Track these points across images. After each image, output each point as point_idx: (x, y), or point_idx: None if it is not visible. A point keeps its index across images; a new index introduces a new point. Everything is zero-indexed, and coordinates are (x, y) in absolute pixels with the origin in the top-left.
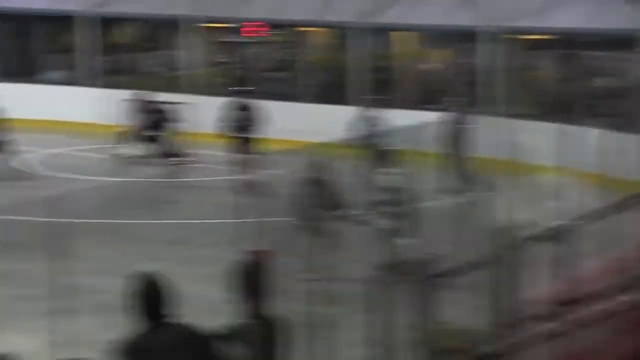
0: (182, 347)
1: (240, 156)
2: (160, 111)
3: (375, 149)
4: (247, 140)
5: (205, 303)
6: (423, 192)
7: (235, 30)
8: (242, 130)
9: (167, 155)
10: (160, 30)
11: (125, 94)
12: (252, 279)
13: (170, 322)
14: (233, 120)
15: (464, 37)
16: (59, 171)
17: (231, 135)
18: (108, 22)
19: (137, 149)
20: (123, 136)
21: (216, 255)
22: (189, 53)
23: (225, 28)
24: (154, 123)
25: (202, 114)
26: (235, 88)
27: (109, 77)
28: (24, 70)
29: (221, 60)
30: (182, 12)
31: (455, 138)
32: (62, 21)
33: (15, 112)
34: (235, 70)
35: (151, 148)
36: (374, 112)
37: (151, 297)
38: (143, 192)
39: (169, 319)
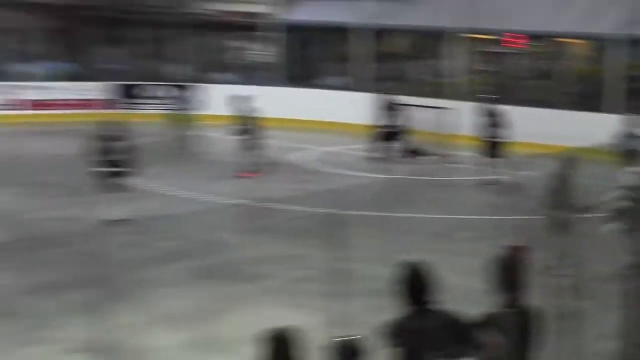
0: (444, 332)
1: (491, 158)
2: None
3: (627, 152)
4: (496, 143)
5: (464, 293)
6: None
7: (496, 42)
8: (491, 134)
9: (418, 154)
10: (427, 41)
11: (394, 99)
12: (509, 272)
13: (433, 308)
14: (484, 125)
15: None
16: (332, 168)
17: (483, 138)
18: (380, 34)
19: (394, 148)
20: (383, 137)
21: (475, 249)
22: (452, 62)
23: (486, 39)
24: (406, 125)
25: (462, 118)
26: (484, 95)
27: (380, 84)
28: (306, 76)
29: (482, 69)
30: (447, 24)
31: None
32: (339, 33)
33: (297, 113)
34: (495, 79)
35: (405, 147)
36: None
37: (416, 284)
38: (406, 188)
39: (432, 305)
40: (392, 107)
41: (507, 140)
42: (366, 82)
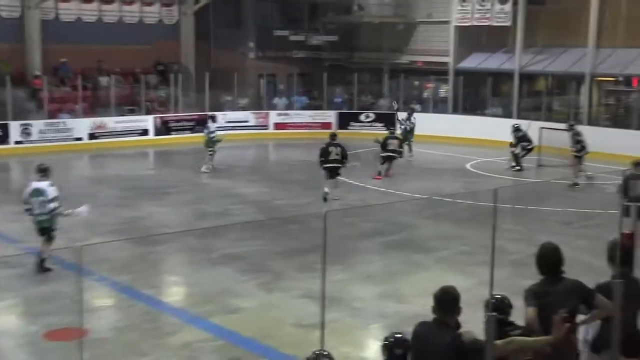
0: (570, 294)
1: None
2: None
3: None
4: (580, 157)
5: (585, 267)
6: None
7: (617, 82)
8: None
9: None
10: (564, 82)
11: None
12: (622, 252)
13: (562, 276)
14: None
15: None
16: (488, 172)
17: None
18: (528, 76)
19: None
20: (524, 152)
21: (591, 234)
22: (585, 97)
23: (610, 80)
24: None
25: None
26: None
27: (526, 113)
28: (470, 107)
29: (606, 102)
30: (581, 69)
31: None
32: (497, 75)
33: (463, 133)
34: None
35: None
36: None
37: (549, 258)
38: (542, 188)
39: (560, 275)
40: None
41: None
42: (515, 111)
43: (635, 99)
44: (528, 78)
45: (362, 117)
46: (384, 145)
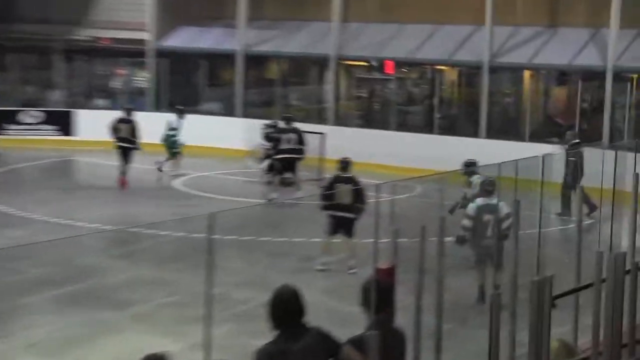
0: (316, 350)
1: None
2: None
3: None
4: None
5: (331, 313)
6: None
7: (374, 68)
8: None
9: (284, 179)
10: (305, 67)
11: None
12: (377, 293)
13: (303, 329)
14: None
15: (589, 76)
16: (206, 192)
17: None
18: (257, 60)
19: (266, 171)
20: (256, 158)
21: (338, 270)
22: (330, 88)
23: (365, 66)
24: (279, 148)
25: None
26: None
27: (257, 109)
28: (179, 102)
29: (359, 94)
30: (324, 51)
31: (572, 168)
32: (216, 58)
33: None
34: (371, 104)
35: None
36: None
37: (285, 306)
38: (278, 212)
39: (301, 326)
40: (268, 132)
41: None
42: (243, 107)
43: (392, 89)
44: (256, 62)
45: (24, 117)
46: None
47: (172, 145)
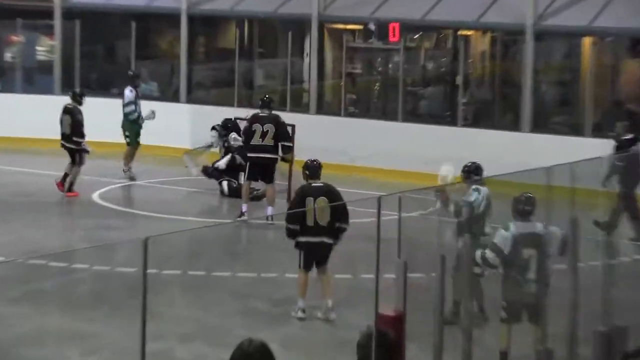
0: None
1: None
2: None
3: None
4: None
5: None
6: None
7: (373, 34)
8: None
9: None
10: (276, 33)
11: (218, 110)
12: (380, 352)
13: None
14: None
15: None
16: (139, 208)
17: None
18: (210, 22)
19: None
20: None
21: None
22: (311, 62)
23: (360, 31)
24: (250, 144)
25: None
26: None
27: (207, 92)
28: (96, 80)
29: (351, 71)
30: (307, 10)
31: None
32: (158, 21)
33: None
34: (369, 84)
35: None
36: None
37: None
38: (238, 236)
39: None
40: (227, 125)
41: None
42: (185, 88)
43: (399, 64)
44: (207, 24)
45: None
46: None
47: (135, 130)
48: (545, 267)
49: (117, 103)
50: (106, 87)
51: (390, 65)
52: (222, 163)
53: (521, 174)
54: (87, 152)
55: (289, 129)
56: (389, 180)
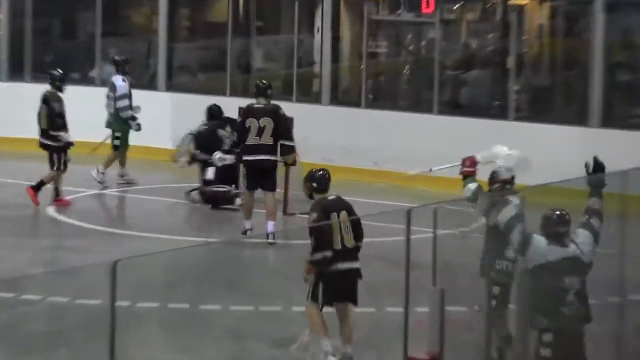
0: None
1: None
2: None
3: None
4: None
5: None
6: None
7: (401, 3)
8: None
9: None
10: (279, 2)
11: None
12: None
13: None
14: None
15: None
16: (107, 223)
17: None
18: None
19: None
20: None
21: None
22: (324, 38)
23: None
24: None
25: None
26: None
27: (192, 77)
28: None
29: (374, 50)
30: None
31: None
32: None
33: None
34: (396, 67)
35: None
36: None
37: None
38: (232, 259)
39: None
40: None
41: None
42: (164, 73)
43: (434, 42)
44: None
45: None
46: None
47: (126, 130)
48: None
49: (78, 91)
50: (64, 71)
51: (423, 43)
52: (210, 173)
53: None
54: (71, 145)
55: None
56: (421, 188)
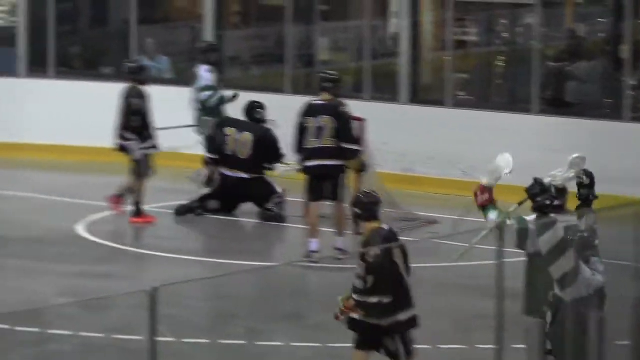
0: None
1: None
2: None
3: None
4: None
5: None
6: None
7: None
8: None
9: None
10: None
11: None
12: None
13: None
14: None
15: None
16: (144, 245)
17: None
18: None
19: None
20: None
21: None
22: (402, 25)
23: None
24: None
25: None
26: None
27: (239, 71)
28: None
29: (462, 38)
30: None
31: None
32: None
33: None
34: (490, 59)
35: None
36: None
37: None
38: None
39: None
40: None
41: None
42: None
43: (534, 28)
44: None
45: None
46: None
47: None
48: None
49: (111, 89)
50: (94, 66)
51: (520, 30)
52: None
53: None
54: (153, 148)
55: (357, 125)
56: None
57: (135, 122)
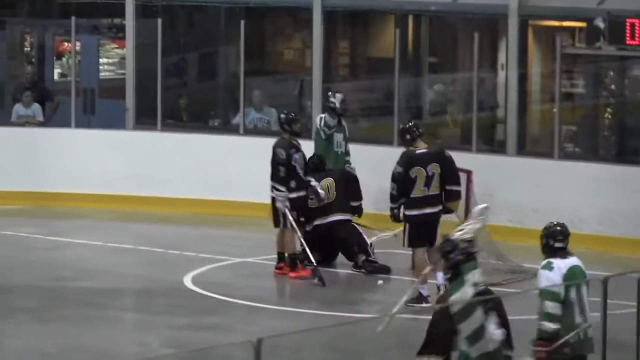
0: None
1: None
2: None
3: None
4: None
5: None
6: None
7: (599, 32)
8: None
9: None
10: (451, 32)
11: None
12: None
13: None
14: None
15: None
16: (257, 298)
17: None
18: (352, 20)
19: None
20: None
21: None
22: (509, 76)
23: (579, 29)
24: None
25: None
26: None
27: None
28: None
29: (570, 90)
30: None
31: None
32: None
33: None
34: (597, 110)
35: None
36: None
37: None
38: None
39: None
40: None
41: None
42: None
43: (638, 78)
44: (351, 24)
45: None
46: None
47: None
48: None
49: (220, 141)
50: (203, 118)
51: (627, 82)
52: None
53: None
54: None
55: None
56: (621, 255)
57: (282, 173)
